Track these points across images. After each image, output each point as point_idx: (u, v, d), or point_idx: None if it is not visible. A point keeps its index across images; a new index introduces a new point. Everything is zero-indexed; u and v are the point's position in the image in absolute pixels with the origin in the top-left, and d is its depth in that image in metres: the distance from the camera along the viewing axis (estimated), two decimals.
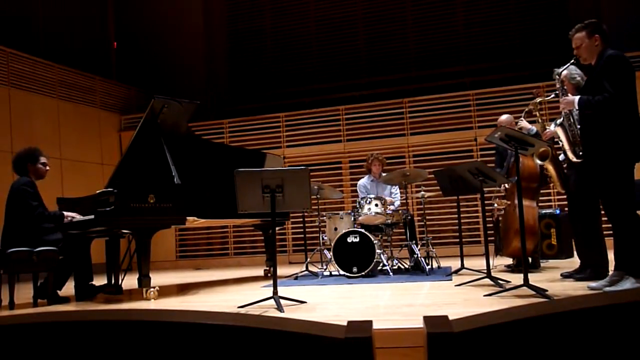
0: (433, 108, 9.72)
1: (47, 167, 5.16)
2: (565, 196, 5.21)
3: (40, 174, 5.08)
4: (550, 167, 4.88)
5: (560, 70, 4.41)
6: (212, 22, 12.31)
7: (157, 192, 4.77)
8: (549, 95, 4.91)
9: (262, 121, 10.56)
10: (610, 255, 4.15)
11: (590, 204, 4.45)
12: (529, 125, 5.33)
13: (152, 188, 4.77)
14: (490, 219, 6.38)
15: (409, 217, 6.37)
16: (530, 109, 5.16)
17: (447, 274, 5.57)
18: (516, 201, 5.31)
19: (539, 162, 4.84)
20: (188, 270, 9.70)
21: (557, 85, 4.40)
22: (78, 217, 4.91)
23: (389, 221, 6.10)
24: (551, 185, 5.62)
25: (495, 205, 5.88)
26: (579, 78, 4.45)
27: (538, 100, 4.94)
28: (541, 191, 5.81)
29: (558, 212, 6.74)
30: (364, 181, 6.97)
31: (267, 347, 0.74)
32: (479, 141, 9.16)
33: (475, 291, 4.18)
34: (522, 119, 5.43)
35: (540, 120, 4.87)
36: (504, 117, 5.98)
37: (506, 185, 5.63)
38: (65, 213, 4.92)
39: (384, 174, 6.70)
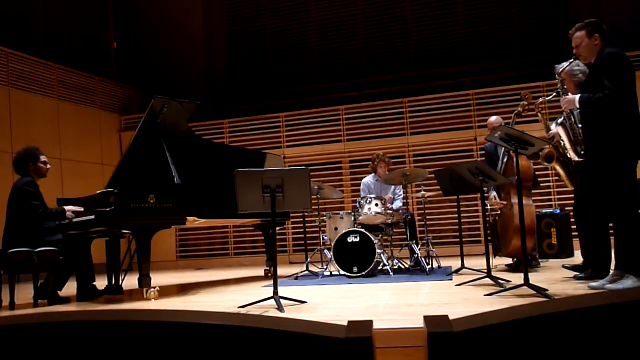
0: (433, 108, 9.71)
1: (48, 166, 5.17)
2: (565, 196, 5.20)
3: (42, 173, 5.09)
4: (557, 168, 4.87)
5: (561, 68, 4.39)
6: (212, 22, 12.31)
7: (157, 192, 4.77)
8: (549, 96, 4.91)
9: (262, 121, 10.56)
10: (612, 254, 4.14)
11: (596, 203, 4.42)
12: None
13: (152, 188, 4.78)
14: (488, 219, 6.36)
15: (410, 217, 6.36)
16: (519, 111, 5.19)
17: (447, 273, 5.57)
18: (512, 201, 5.34)
19: (546, 164, 4.85)
20: (188, 270, 9.70)
21: (558, 85, 4.39)
22: (79, 210, 4.93)
23: (390, 221, 6.10)
24: (551, 184, 5.62)
25: (488, 206, 5.84)
26: (581, 75, 4.39)
27: (526, 103, 4.97)
28: (541, 191, 5.80)
29: (558, 211, 6.73)
30: (368, 180, 6.95)
31: (267, 347, 0.74)
32: (479, 141, 9.16)
33: (475, 291, 4.18)
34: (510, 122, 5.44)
35: (542, 120, 4.87)
36: (493, 118, 6.00)
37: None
38: (66, 207, 4.94)
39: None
